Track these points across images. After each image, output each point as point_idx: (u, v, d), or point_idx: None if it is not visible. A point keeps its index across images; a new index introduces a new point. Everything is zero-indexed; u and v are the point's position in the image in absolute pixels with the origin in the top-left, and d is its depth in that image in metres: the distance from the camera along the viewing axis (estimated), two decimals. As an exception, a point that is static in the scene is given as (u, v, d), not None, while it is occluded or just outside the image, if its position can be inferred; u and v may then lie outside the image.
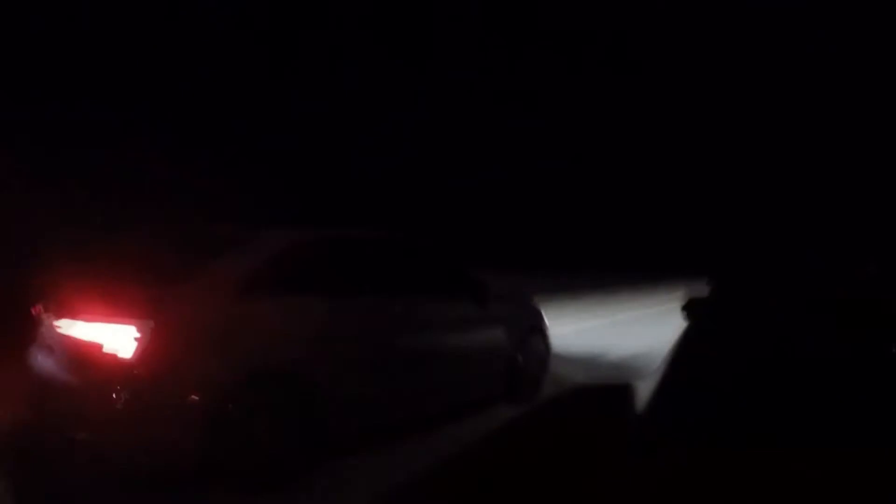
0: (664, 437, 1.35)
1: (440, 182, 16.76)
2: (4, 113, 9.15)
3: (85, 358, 3.17)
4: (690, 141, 29.38)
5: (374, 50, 16.16)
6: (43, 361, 3.57)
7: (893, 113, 26.97)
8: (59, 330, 3.40)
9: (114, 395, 2.99)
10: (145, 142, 9.99)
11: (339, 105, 14.86)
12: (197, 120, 11.22)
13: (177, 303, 3.24)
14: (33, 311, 3.92)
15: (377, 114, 15.79)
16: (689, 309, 3.38)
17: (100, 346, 3.10)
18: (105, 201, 9.04)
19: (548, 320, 5.67)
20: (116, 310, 3.16)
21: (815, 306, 1.54)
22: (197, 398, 3.04)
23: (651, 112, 27.68)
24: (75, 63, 9.94)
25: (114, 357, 3.06)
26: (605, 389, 1.83)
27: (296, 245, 3.83)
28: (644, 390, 1.80)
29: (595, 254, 20.88)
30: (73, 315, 3.32)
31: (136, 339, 3.05)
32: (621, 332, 8.90)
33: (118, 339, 3.07)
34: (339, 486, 3.26)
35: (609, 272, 18.38)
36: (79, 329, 3.26)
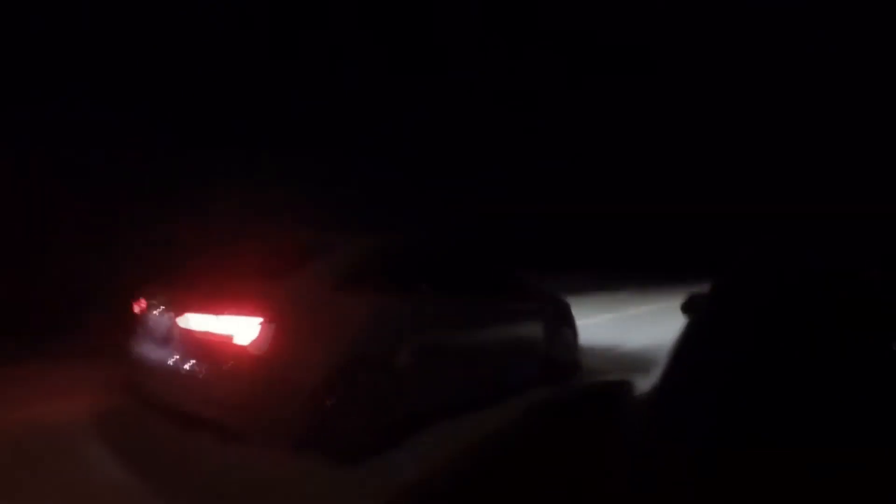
0: (664, 437, 1.35)
1: (440, 182, 16.74)
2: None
3: (207, 347, 3.63)
4: (693, 140, 29.34)
5: (374, 50, 16.15)
6: (149, 350, 4.08)
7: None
8: (178, 322, 3.83)
9: (236, 378, 3.49)
10: (145, 142, 10.00)
11: (339, 105, 14.85)
12: (195, 120, 11.22)
13: (287, 298, 3.74)
14: (133, 306, 4.46)
15: (377, 113, 15.78)
16: (689, 306, 3.36)
17: (222, 336, 3.58)
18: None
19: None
20: (235, 305, 3.63)
21: (816, 306, 1.53)
22: (305, 380, 3.56)
23: (651, 113, 27.64)
24: (81, 62, 9.94)
25: (235, 345, 3.52)
26: (606, 389, 1.83)
27: (379, 248, 4.48)
28: (645, 388, 1.80)
29: (595, 254, 20.87)
30: (194, 309, 3.78)
31: (255, 329, 3.53)
32: (632, 326, 9.55)
33: (239, 329, 3.54)
34: (416, 456, 3.72)
35: (609, 272, 18.42)
36: (200, 322, 3.72)
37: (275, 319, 3.54)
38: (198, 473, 3.35)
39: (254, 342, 3.47)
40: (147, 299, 4.26)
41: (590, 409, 1.69)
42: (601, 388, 1.91)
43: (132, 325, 4.37)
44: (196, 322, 3.72)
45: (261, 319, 3.51)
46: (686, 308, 3.29)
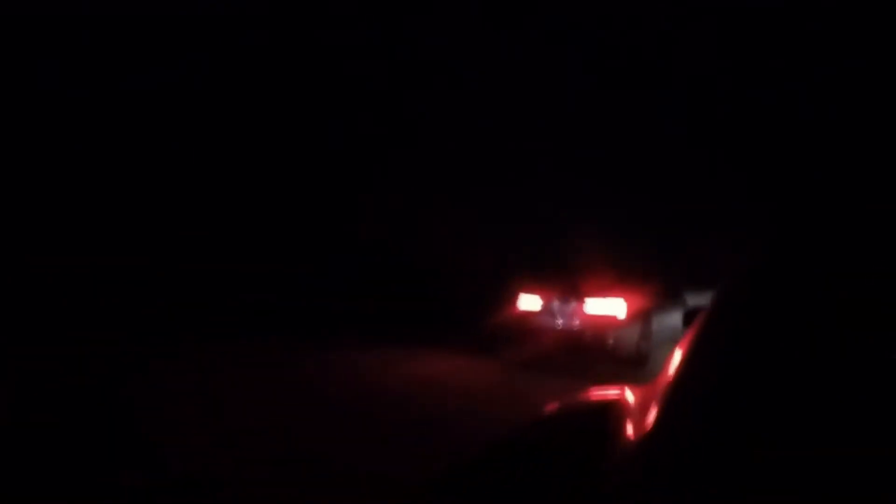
0: (664, 438, 1.35)
1: (441, 183, 16.67)
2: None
3: (601, 317, 7.50)
4: (697, 144, 29.18)
5: (373, 48, 16.09)
6: (554, 322, 7.72)
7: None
8: (583, 305, 7.60)
9: (613, 333, 7.46)
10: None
11: (340, 105, 14.82)
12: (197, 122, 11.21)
13: (635, 292, 7.68)
14: (513, 298, 7.98)
15: (376, 113, 15.74)
16: (690, 319, 3.36)
17: (609, 313, 7.48)
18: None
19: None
20: (612, 293, 7.53)
21: (816, 306, 1.53)
22: (634, 331, 7.63)
23: (652, 118, 27.50)
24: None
25: (616, 317, 7.49)
26: (608, 392, 1.83)
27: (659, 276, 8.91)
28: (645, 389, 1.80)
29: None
30: (593, 296, 7.56)
31: (623, 308, 7.50)
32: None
33: (618, 308, 7.51)
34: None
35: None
36: (596, 304, 7.54)
37: (628, 301, 7.49)
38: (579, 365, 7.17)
39: (622, 314, 7.41)
40: (541, 293, 7.81)
41: (593, 412, 1.69)
42: (603, 390, 1.91)
43: (510, 310, 7.94)
44: (593, 305, 7.52)
45: (622, 301, 7.47)
46: (687, 321, 3.30)
